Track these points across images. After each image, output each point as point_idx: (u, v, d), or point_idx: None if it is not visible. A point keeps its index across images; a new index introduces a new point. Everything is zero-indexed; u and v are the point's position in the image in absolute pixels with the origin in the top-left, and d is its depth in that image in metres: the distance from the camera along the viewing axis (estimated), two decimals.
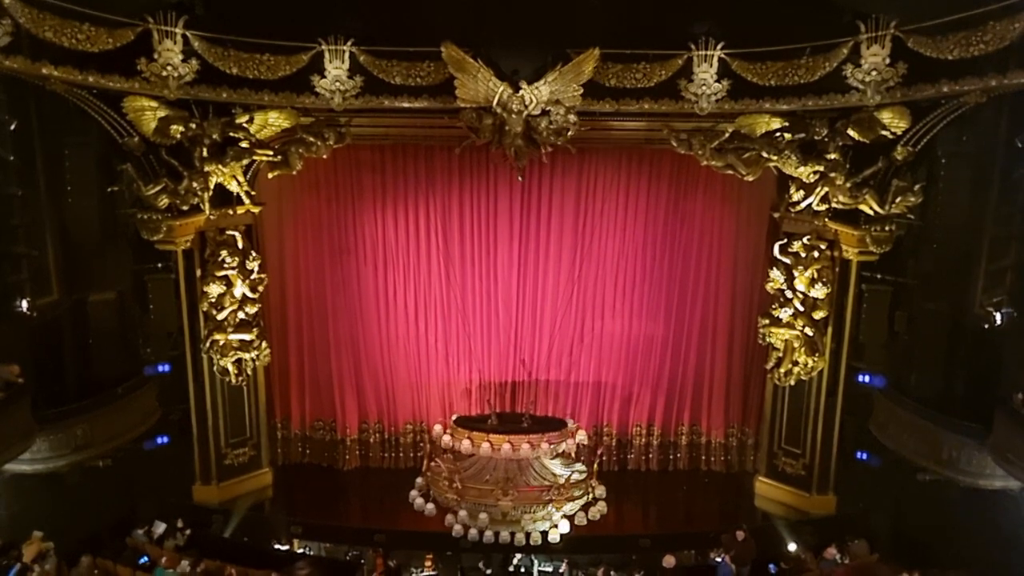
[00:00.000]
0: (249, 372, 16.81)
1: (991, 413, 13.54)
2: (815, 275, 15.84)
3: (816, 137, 14.48)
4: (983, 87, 12.80)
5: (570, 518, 15.61)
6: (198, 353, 16.29)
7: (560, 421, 17.01)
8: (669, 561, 14.00)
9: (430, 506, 15.84)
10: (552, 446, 16.14)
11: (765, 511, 17.25)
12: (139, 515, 15.16)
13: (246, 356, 16.53)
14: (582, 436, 16.79)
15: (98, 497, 15.21)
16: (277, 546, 15.95)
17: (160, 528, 14.69)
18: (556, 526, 15.39)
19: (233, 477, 17.15)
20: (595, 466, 16.39)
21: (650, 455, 18.65)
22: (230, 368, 16.46)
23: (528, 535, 15.27)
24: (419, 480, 16.27)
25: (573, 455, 16.68)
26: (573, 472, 15.95)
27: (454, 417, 17.20)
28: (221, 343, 16.22)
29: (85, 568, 12.75)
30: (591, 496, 16.01)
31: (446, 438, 16.31)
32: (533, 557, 16.12)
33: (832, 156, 14.59)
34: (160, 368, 16.40)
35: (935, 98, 13.39)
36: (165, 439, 16.57)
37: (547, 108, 13.99)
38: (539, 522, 15.39)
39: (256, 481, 17.53)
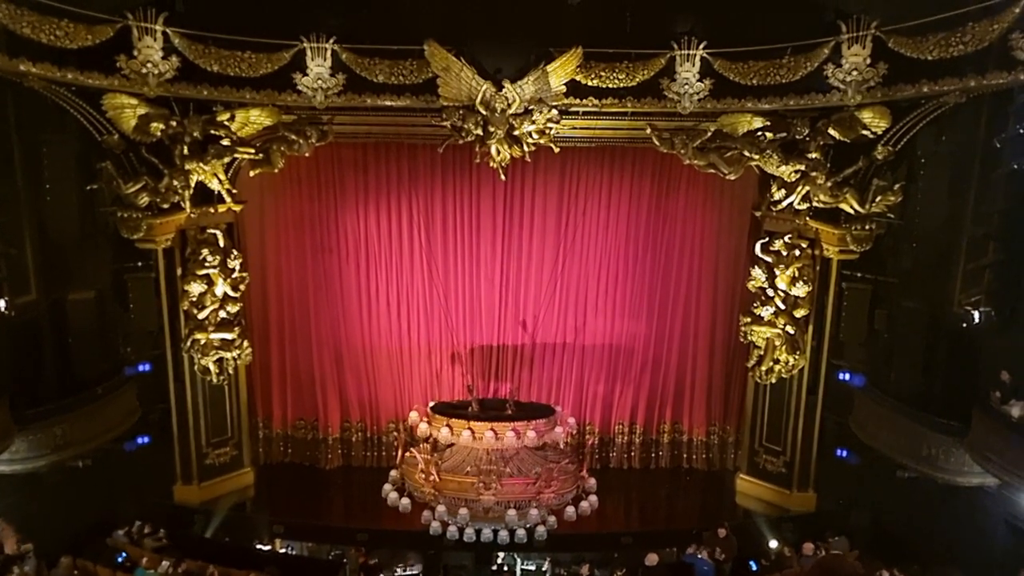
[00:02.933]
0: (230, 371, 16.75)
1: (969, 411, 13.64)
2: (796, 273, 15.95)
3: (797, 136, 14.57)
4: (962, 87, 12.92)
5: (558, 513, 15.20)
6: (179, 352, 16.22)
7: (546, 408, 16.40)
8: (652, 559, 14.02)
9: (405, 501, 15.08)
10: (539, 435, 15.13)
11: (746, 508, 17.32)
12: (120, 515, 15.04)
13: (227, 355, 16.46)
14: (572, 422, 16.34)
15: (78, 498, 15.02)
16: (259, 546, 15.88)
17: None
18: (544, 522, 14.87)
19: (214, 477, 17.09)
20: (585, 458, 16.20)
21: (632, 453, 18.69)
22: (211, 367, 16.38)
23: (512, 532, 14.67)
24: (393, 473, 15.53)
25: (561, 445, 15.96)
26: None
27: (431, 404, 16.41)
28: (202, 342, 16.15)
29: (65, 569, 12.66)
30: (580, 490, 15.44)
31: (423, 426, 15.41)
32: (516, 555, 15.88)
33: (813, 155, 14.68)
34: (140, 367, 16.26)
35: (915, 98, 13.50)
36: (146, 439, 16.42)
37: (530, 107, 14.03)
38: (524, 519, 14.80)
39: (237, 481, 17.48)
